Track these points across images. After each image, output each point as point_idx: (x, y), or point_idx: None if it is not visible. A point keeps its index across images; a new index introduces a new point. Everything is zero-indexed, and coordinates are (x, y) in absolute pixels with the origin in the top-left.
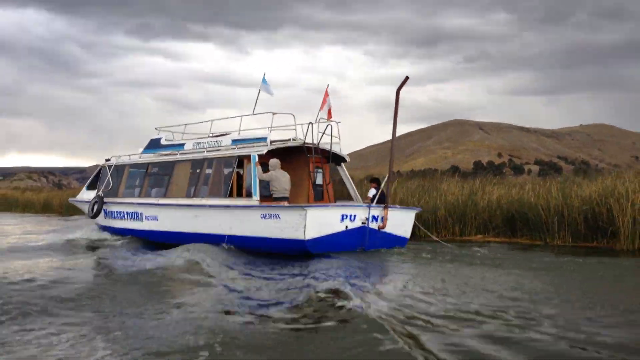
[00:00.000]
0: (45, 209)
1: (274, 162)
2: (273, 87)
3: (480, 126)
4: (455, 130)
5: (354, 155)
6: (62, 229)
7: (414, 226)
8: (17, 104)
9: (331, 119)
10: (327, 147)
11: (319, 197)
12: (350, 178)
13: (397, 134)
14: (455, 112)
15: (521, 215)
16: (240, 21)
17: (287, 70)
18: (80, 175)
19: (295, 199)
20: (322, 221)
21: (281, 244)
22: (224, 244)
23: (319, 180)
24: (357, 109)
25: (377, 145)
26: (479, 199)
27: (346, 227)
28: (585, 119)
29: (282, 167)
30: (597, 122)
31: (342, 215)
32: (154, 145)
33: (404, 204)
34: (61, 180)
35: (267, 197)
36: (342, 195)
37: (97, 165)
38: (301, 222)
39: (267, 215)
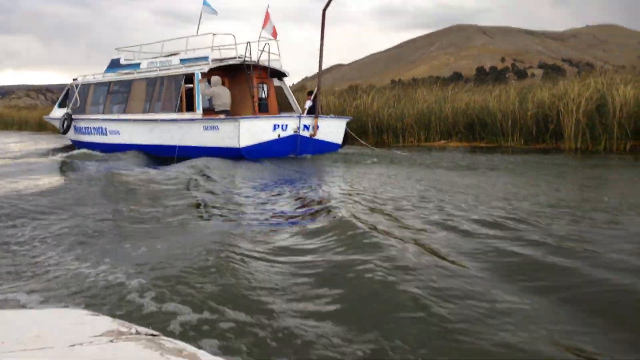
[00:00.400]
0: (41, 127)
1: (215, 79)
2: None
3: (483, 31)
4: (459, 35)
5: (355, 65)
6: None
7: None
8: (10, 20)
9: (276, 38)
10: (274, 65)
11: (264, 109)
12: (290, 91)
13: (400, 41)
14: (461, 16)
15: (481, 121)
16: None
17: None
18: None
19: (241, 112)
20: (255, 130)
21: (221, 152)
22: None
23: (263, 93)
24: (358, 17)
25: (378, 53)
26: (445, 106)
27: (279, 135)
28: (591, 19)
29: (229, 84)
30: (603, 23)
31: (275, 125)
32: (114, 64)
33: (379, 113)
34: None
35: (211, 110)
36: (288, 107)
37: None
38: (236, 132)
39: (209, 127)
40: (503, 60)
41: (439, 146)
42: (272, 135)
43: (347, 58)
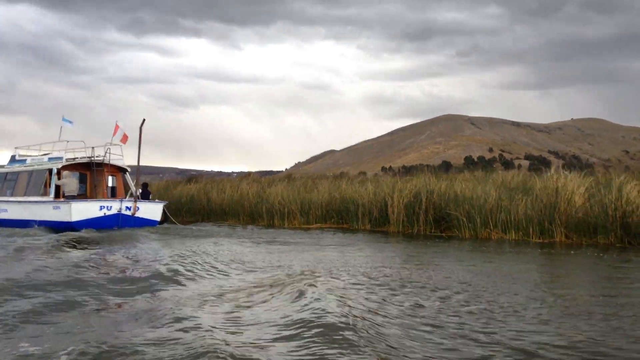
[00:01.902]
0: None
1: (65, 173)
2: (266, 82)
3: (472, 121)
4: (448, 125)
5: (348, 150)
6: None
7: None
8: (9, 100)
9: (124, 143)
10: (117, 162)
11: (113, 194)
12: (131, 181)
13: (391, 129)
14: (449, 106)
15: (344, 207)
16: (232, 16)
17: (280, 65)
18: None
19: (97, 196)
20: (84, 210)
21: (62, 224)
22: (35, 225)
23: (113, 183)
24: (350, 104)
25: (370, 140)
26: (317, 195)
27: (104, 213)
28: (576, 112)
29: (89, 176)
30: (588, 116)
31: (101, 206)
32: (12, 160)
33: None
34: None
35: (67, 195)
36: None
37: None
38: (69, 211)
39: (56, 207)
40: (491, 150)
41: (311, 228)
42: (99, 213)
43: (339, 144)
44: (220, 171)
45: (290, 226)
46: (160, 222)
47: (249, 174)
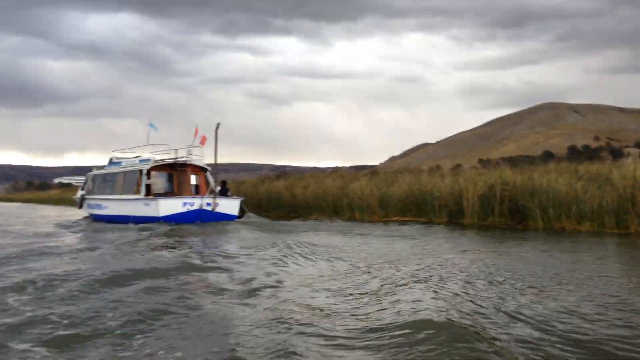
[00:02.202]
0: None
1: (153, 173)
2: (357, 77)
3: (574, 109)
4: (548, 113)
5: (442, 143)
6: None
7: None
8: (116, 105)
9: (203, 145)
10: (198, 163)
11: (197, 191)
12: (212, 180)
13: (488, 119)
14: (548, 94)
15: (422, 200)
16: (321, 13)
17: (370, 59)
18: None
19: (182, 193)
20: (169, 206)
21: (152, 219)
22: (130, 221)
23: (196, 182)
24: (443, 96)
25: (466, 132)
26: (396, 189)
27: (187, 209)
28: None
29: (176, 175)
30: None
31: (184, 203)
32: (110, 162)
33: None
34: None
35: (157, 193)
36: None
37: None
38: (157, 207)
39: (146, 204)
40: (597, 138)
41: (387, 221)
42: (183, 209)
43: (434, 137)
44: (316, 167)
45: (370, 220)
46: (238, 217)
47: (337, 169)
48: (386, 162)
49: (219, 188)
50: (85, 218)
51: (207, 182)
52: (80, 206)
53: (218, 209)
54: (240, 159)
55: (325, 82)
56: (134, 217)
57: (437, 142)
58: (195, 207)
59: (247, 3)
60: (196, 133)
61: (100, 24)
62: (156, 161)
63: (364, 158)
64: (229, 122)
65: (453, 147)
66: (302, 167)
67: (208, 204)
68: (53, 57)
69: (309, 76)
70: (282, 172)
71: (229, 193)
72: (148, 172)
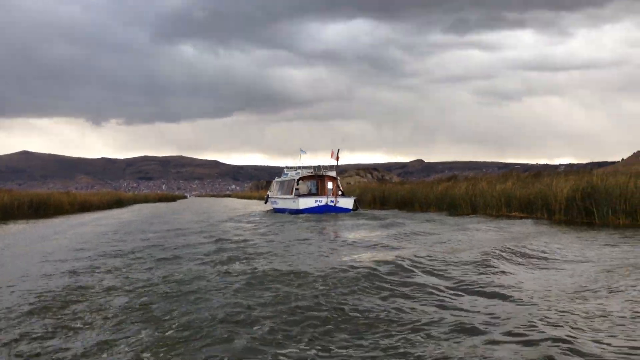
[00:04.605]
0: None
1: (301, 182)
2: (599, 67)
3: None
4: None
5: None
6: None
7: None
8: (348, 107)
9: (337, 161)
10: (330, 173)
11: (330, 193)
12: (340, 184)
13: None
14: None
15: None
16: (560, 2)
17: (617, 47)
18: (402, 170)
19: (323, 194)
20: (306, 202)
21: (297, 211)
22: (287, 212)
23: (331, 187)
24: None
25: None
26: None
27: (317, 204)
28: None
29: (318, 182)
30: None
31: (316, 200)
32: (283, 173)
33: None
34: (384, 176)
35: (301, 194)
36: (346, 193)
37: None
38: (297, 202)
39: (294, 201)
40: None
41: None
42: (314, 204)
43: None
44: (547, 164)
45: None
46: (353, 210)
47: (570, 166)
48: (629, 157)
49: (340, 191)
50: (268, 211)
51: (338, 186)
52: (266, 202)
53: (338, 205)
54: (465, 157)
55: (562, 74)
56: (289, 209)
57: None
58: (323, 203)
59: None
60: (332, 154)
61: (336, 32)
62: (303, 175)
63: (603, 154)
64: (453, 120)
65: None
66: (530, 165)
67: (332, 201)
68: (294, 66)
69: (542, 69)
70: (451, 175)
71: (343, 194)
72: (298, 181)
